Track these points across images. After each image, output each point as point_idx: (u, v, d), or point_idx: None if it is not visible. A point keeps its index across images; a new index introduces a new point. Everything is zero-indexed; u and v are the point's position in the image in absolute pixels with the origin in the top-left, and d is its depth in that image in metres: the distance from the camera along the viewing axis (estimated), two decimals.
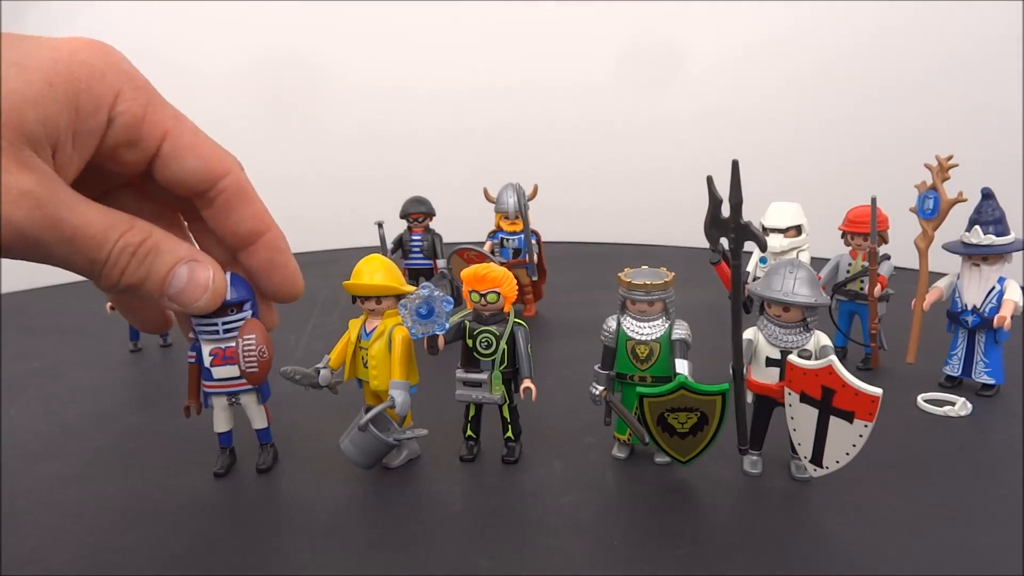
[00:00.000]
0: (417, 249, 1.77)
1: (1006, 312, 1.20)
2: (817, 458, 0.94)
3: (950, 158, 1.25)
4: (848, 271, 1.40)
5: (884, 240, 1.36)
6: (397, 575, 0.83)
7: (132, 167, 0.46)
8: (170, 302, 0.45)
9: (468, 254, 1.70)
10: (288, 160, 2.54)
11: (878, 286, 1.32)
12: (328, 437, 1.11)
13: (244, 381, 1.02)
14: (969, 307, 1.24)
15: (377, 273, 1.02)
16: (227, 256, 0.53)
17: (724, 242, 0.92)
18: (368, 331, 1.04)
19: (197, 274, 0.46)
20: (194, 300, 0.47)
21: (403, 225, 1.78)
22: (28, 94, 0.37)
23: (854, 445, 0.90)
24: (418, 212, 1.75)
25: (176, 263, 0.45)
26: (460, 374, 1.05)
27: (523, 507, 0.96)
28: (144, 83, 0.45)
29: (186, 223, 0.55)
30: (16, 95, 0.37)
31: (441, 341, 1.02)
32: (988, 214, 1.20)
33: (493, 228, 1.76)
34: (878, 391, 0.87)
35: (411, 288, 1.03)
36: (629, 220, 2.52)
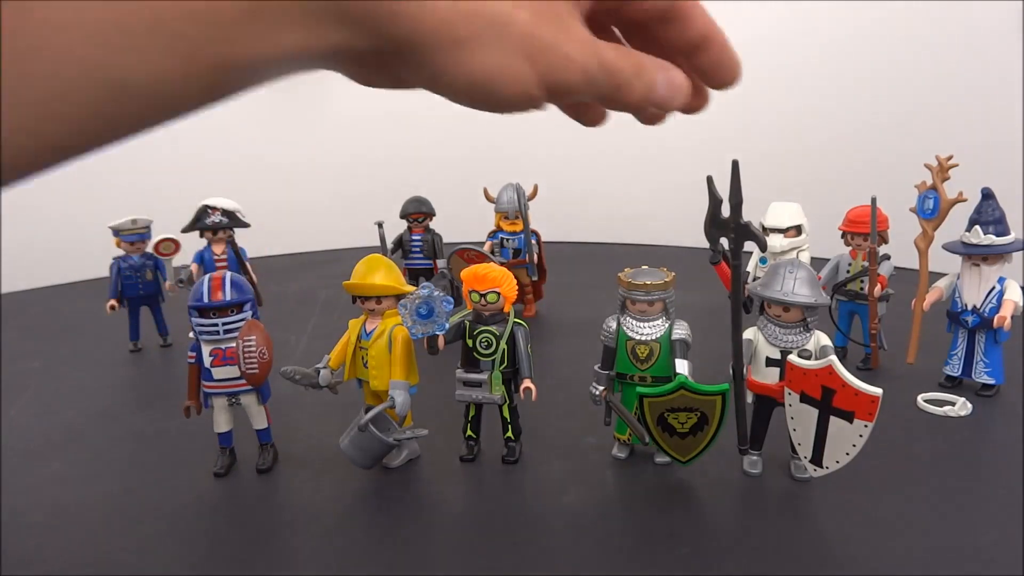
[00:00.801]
0: (417, 249, 1.77)
1: (1006, 312, 1.20)
2: (817, 458, 0.94)
3: (950, 158, 1.25)
4: (848, 271, 1.40)
5: (884, 240, 1.36)
6: (397, 575, 0.83)
7: (608, 9, 0.51)
8: (664, 105, 0.52)
9: (468, 254, 1.70)
10: (289, 160, 2.54)
11: (878, 286, 1.32)
12: (328, 437, 1.11)
13: (244, 382, 1.02)
14: (969, 307, 1.24)
15: (377, 273, 1.02)
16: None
17: (724, 242, 0.92)
18: (368, 331, 1.04)
19: (674, 77, 0.54)
20: (682, 98, 0.54)
21: (403, 225, 1.78)
22: None
23: (854, 445, 0.90)
24: (418, 212, 1.75)
25: (657, 72, 0.52)
26: (460, 374, 1.05)
27: (523, 507, 0.96)
28: None
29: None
30: None
31: (441, 341, 1.02)
32: (988, 214, 1.20)
33: (493, 228, 1.76)
34: (878, 391, 0.87)
35: (411, 288, 1.03)
36: (629, 220, 2.52)
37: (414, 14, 0.40)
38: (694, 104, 0.56)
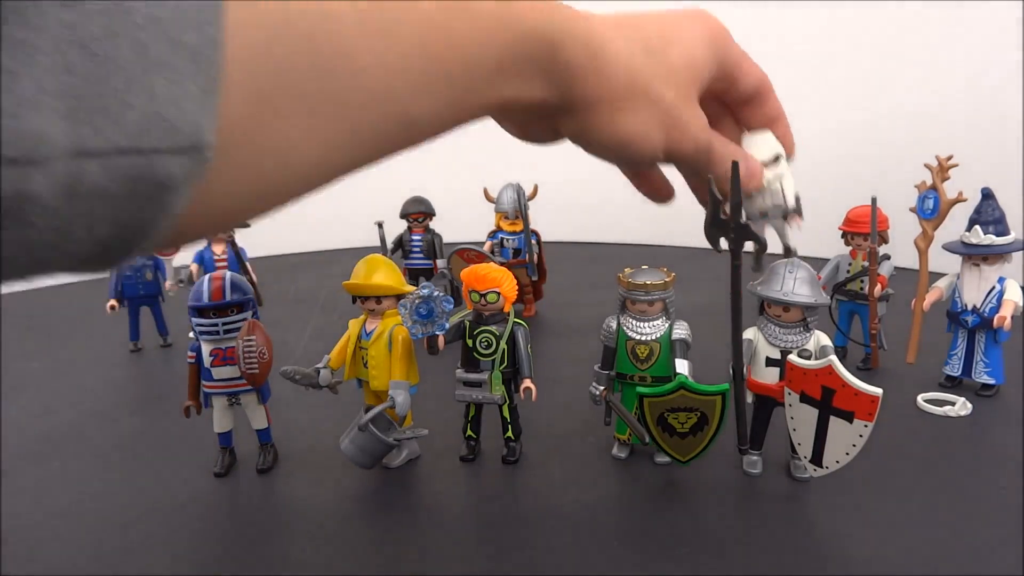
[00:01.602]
0: (417, 249, 1.77)
1: (1006, 312, 1.20)
2: (817, 458, 0.94)
3: (950, 158, 1.25)
4: (848, 271, 1.40)
5: (884, 240, 1.36)
6: (397, 575, 0.83)
7: (713, 91, 0.64)
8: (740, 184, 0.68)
9: (468, 254, 1.70)
10: None
11: (878, 286, 1.32)
12: (328, 437, 1.11)
13: (244, 381, 1.02)
14: (969, 307, 1.24)
15: (377, 273, 1.02)
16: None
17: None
18: (368, 331, 1.04)
19: (752, 165, 0.71)
20: (755, 183, 0.73)
21: (403, 225, 1.78)
22: (705, 58, 0.58)
23: (854, 445, 0.90)
24: (418, 212, 1.76)
25: (743, 160, 0.68)
26: (460, 374, 1.05)
27: (523, 507, 0.96)
28: (728, 31, 0.63)
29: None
30: (703, 58, 0.57)
31: (441, 341, 1.02)
32: (988, 214, 1.20)
33: (493, 228, 1.76)
34: (878, 391, 0.87)
35: (411, 288, 1.03)
36: (629, 220, 2.52)
37: (597, 81, 0.52)
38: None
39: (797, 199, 0.97)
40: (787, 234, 0.97)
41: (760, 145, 1.01)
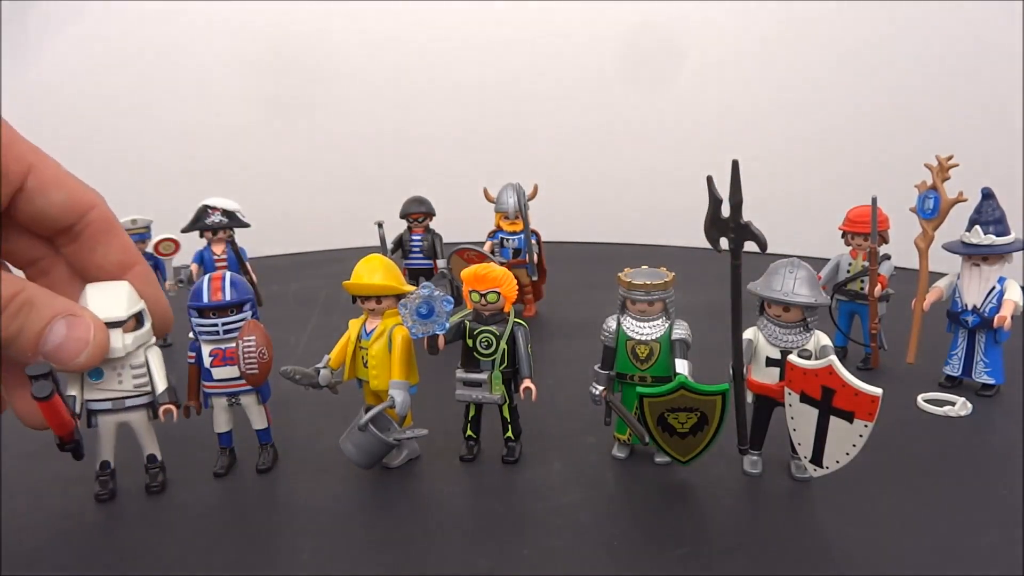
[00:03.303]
0: (417, 249, 1.77)
1: (1006, 312, 1.20)
2: (817, 458, 0.94)
3: (950, 158, 1.25)
4: (848, 271, 1.40)
5: (884, 240, 1.36)
6: (397, 575, 0.83)
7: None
8: (46, 359, 0.43)
9: (468, 254, 1.70)
10: (288, 160, 2.54)
11: (878, 286, 1.32)
12: (328, 437, 1.11)
13: (244, 382, 1.02)
14: (969, 307, 1.24)
15: (377, 273, 1.02)
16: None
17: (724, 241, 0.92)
18: (368, 331, 1.04)
19: (76, 329, 0.44)
20: (73, 356, 0.45)
21: (403, 225, 1.78)
22: None
23: (854, 445, 0.90)
24: (418, 212, 1.75)
25: (53, 317, 0.42)
26: (460, 374, 1.05)
27: (523, 507, 0.96)
28: (2, 119, 0.44)
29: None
30: None
31: (441, 341, 1.02)
32: (988, 214, 1.20)
33: (493, 228, 1.76)
34: (878, 391, 0.87)
35: (411, 288, 1.03)
36: (629, 220, 2.52)
37: None
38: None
39: (170, 384, 0.80)
40: None
41: (106, 299, 0.71)
